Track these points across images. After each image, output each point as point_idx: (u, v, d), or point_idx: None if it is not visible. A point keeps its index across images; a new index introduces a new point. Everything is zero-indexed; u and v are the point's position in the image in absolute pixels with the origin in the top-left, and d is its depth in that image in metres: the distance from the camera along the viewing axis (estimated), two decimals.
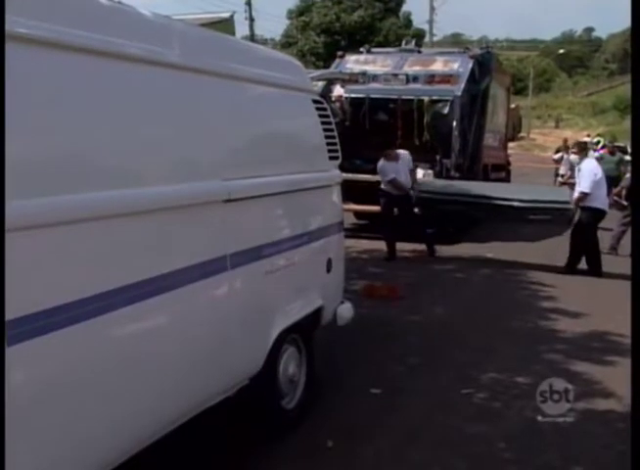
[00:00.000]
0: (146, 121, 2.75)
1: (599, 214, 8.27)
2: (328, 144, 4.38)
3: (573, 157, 10.31)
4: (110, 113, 2.53)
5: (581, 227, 8.31)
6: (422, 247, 9.31)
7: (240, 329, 3.28)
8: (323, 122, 4.35)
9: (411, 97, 10.95)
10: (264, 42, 36.96)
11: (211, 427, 3.70)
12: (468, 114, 10.85)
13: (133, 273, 2.53)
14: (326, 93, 10.10)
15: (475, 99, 11.12)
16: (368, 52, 12.35)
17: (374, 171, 11.17)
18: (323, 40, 33.90)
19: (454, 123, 10.45)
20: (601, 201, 8.25)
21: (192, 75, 3.03)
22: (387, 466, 3.59)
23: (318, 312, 4.18)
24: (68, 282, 2.27)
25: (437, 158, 10.55)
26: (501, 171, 14.47)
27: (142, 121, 2.72)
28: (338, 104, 11.14)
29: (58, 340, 2.18)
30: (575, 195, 8.37)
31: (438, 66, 11.37)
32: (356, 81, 11.38)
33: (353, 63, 11.92)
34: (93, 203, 2.37)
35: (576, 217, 8.47)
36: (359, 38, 30.23)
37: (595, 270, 8.20)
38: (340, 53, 12.72)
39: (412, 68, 11.40)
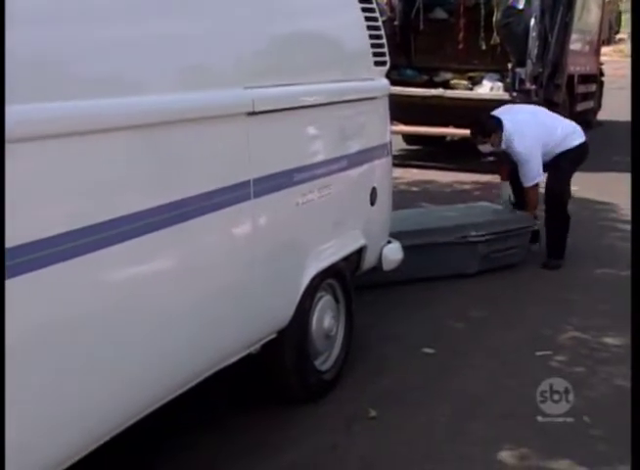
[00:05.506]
0: (145, 13, 2.69)
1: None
2: (373, 46, 4.32)
3: None
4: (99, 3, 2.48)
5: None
6: (484, 178, 9.20)
7: (265, 271, 3.33)
8: (367, 19, 4.28)
9: None
10: None
11: (227, 389, 3.81)
12: (550, 8, 10.51)
13: (133, 202, 2.53)
14: None
15: None
16: None
17: (428, 84, 10.90)
18: None
19: (532, 21, 10.12)
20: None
21: None
22: (442, 441, 3.63)
23: (360, 253, 4.22)
24: (51, 211, 2.24)
25: (509, 66, 10.32)
26: (591, 84, 14.16)
27: (140, 12, 2.66)
28: None
29: (38, 279, 2.16)
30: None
31: None
32: None
33: None
34: (78, 113, 2.31)
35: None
36: None
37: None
38: None
39: None
